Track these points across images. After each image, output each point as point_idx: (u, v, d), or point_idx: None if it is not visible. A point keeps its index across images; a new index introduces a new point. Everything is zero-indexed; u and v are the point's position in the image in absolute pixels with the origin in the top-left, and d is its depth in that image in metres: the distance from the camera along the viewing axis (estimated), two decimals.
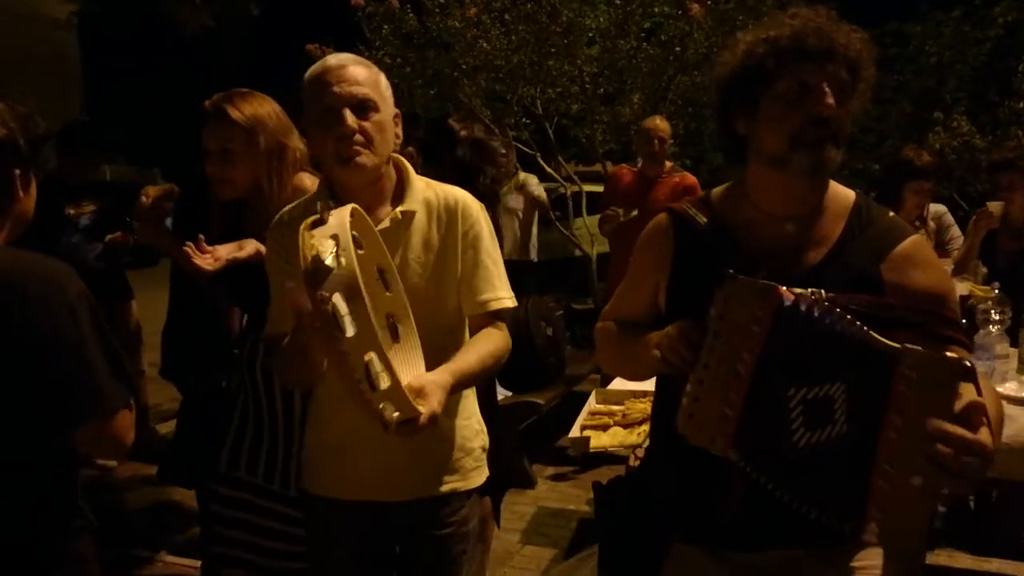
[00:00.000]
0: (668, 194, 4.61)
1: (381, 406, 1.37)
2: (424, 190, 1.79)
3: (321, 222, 1.42)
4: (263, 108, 2.24)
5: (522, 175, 6.43)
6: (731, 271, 1.31)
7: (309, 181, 2.24)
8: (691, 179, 4.87)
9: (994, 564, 2.31)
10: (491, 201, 2.59)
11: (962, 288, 3.42)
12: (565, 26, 6.65)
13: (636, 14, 6.90)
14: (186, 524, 3.77)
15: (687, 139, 8.64)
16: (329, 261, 1.35)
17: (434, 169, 2.32)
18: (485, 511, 2.63)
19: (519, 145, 6.94)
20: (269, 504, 2.27)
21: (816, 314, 1.26)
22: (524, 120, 7.44)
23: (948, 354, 1.20)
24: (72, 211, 4.22)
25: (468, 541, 1.88)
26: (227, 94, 2.24)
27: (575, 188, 7.63)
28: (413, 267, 1.74)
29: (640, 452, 4.66)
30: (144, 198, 2.38)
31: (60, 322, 1.43)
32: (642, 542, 1.59)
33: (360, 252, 1.56)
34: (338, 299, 1.34)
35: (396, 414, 1.39)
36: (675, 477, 1.53)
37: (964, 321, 1.57)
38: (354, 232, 1.44)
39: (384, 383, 1.36)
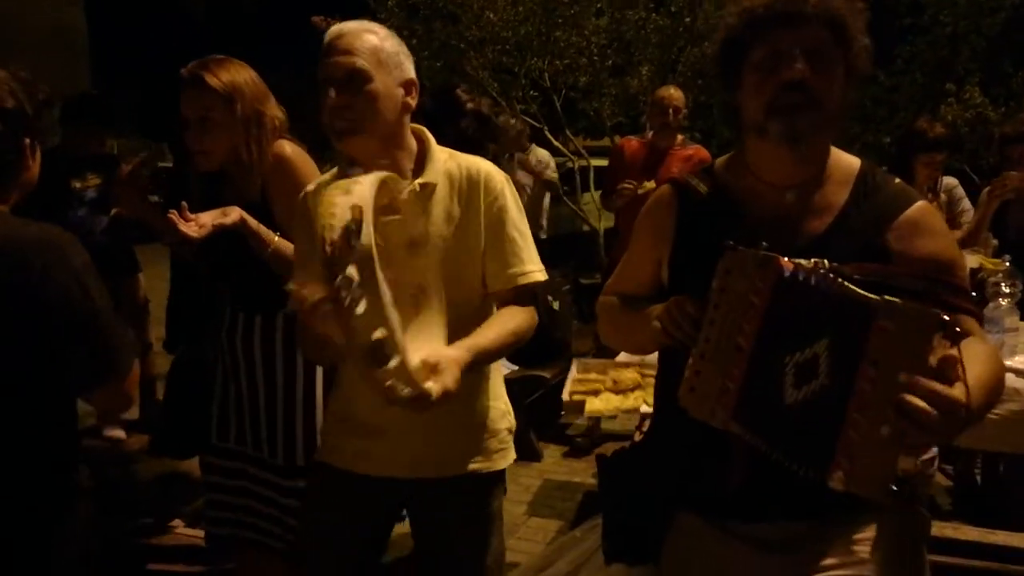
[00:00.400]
0: (681, 167, 4.41)
1: (389, 383, 1.36)
2: (446, 161, 1.75)
3: (347, 189, 1.38)
4: (240, 75, 2.19)
5: (539, 152, 6.29)
6: (731, 243, 1.30)
7: (290, 149, 2.21)
8: (704, 153, 4.70)
9: (1000, 536, 2.31)
10: None
11: (972, 261, 3.39)
12: None
13: None
14: (195, 494, 3.79)
15: (696, 112, 8.57)
16: (350, 236, 1.31)
17: (435, 138, 2.30)
18: None
19: (526, 118, 6.89)
20: (262, 474, 2.28)
21: (813, 282, 1.25)
22: (532, 93, 7.39)
23: (926, 307, 1.19)
24: (78, 185, 4.21)
25: (492, 523, 1.86)
26: (203, 61, 2.18)
27: (583, 162, 7.60)
28: (434, 240, 1.69)
29: (645, 426, 4.69)
30: (123, 166, 2.37)
31: (69, 289, 1.46)
32: (645, 513, 1.59)
33: (394, 218, 1.53)
34: (352, 271, 1.31)
35: (407, 390, 1.37)
36: (678, 449, 1.53)
37: (974, 293, 1.55)
38: (386, 200, 1.40)
39: (392, 362, 1.34)
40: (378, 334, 1.32)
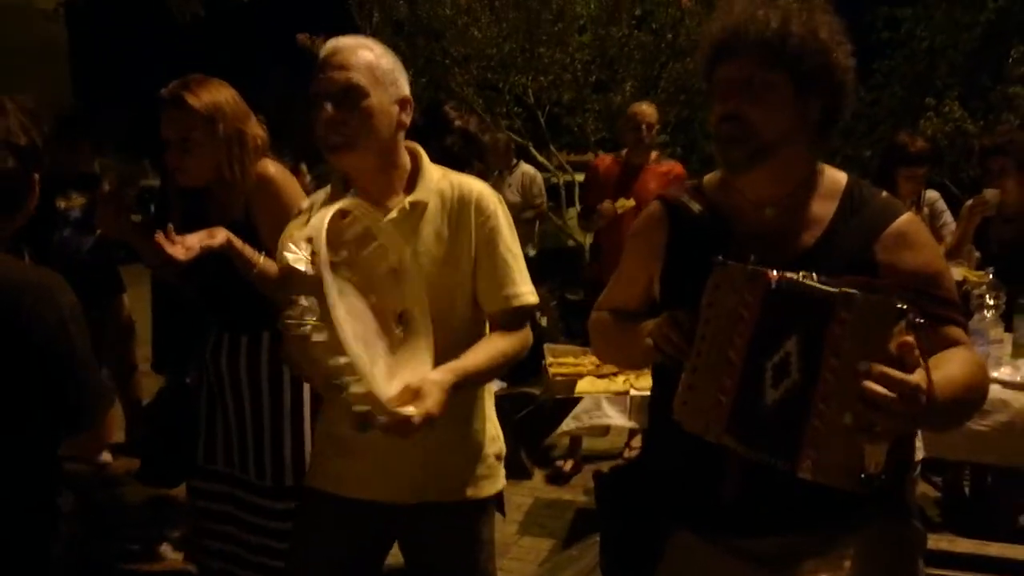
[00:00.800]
0: (659, 183, 4.41)
1: (361, 410, 1.37)
2: (439, 180, 1.73)
3: (305, 221, 1.43)
4: (221, 94, 2.17)
5: (525, 168, 6.22)
6: (720, 258, 1.31)
7: (273, 168, 2.21)
8: (680, 169, 4.70)
9: (994, 548, 2.31)
10: None
11: (956, 273, 3.42)
12: (556, 13, 6.62)
13: (627, 1, 6.88)
14: (182, 519, 3.76)
15: (679, 127, 8.63)
16: (301, 265, 1.35)
17: None
18: None
19: (511, 134, 6.92)
20: (250, 497, 2.26)
21: (788, 288, 1.27)
22: (516, 109, 7.43)
23: (884, 297, 1.21)
24: (63, 204, 4.18)
25: (482, 550, 1.83)
26: (183, 81, 2.16)
27: (567, 177, 7.63)
28: (423, 260, 1.67)
29: (636, 442, 4.71)
30: (106, 185, 2.35)
31: (52, 334, 1.45)
32: (643, 530, 1.59)
33: (373, 246, 1.55)
34: (306, 302, 1.33)
35: (383, 418, 1.38)
36: (673, 464, 1.53)
37: None
38: (359, 229, 1.41)
39: (354, 388, 1.35)
40: (336, 361, 1.33)
